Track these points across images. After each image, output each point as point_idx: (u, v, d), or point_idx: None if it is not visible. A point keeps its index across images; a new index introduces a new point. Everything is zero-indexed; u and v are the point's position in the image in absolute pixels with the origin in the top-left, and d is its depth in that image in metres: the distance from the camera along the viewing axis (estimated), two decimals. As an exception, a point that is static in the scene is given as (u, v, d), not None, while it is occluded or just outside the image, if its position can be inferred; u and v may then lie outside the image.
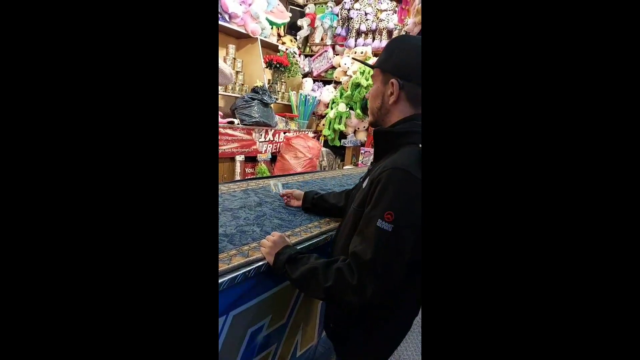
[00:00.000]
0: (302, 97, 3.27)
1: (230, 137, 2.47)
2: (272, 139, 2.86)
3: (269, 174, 2.72)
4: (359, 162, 3.27)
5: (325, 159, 3.33)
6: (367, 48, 3.19)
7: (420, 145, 0.62)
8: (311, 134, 3.29)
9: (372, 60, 3.08)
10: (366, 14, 3.27)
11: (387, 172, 0.60)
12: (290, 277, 0.66)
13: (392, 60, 0.70)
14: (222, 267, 0.64)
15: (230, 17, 2.79)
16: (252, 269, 0.68)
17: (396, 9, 2.80)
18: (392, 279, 0.58)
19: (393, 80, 0.68)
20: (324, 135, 3.37)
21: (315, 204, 1.06)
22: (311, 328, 1.14)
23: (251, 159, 2.74)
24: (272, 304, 0.85)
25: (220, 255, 0.69)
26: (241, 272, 0.66)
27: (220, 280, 0.62)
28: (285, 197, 1.14)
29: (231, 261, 0.67)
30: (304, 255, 0.69)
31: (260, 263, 0.71)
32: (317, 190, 1.12)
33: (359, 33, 3.34)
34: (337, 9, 3.48)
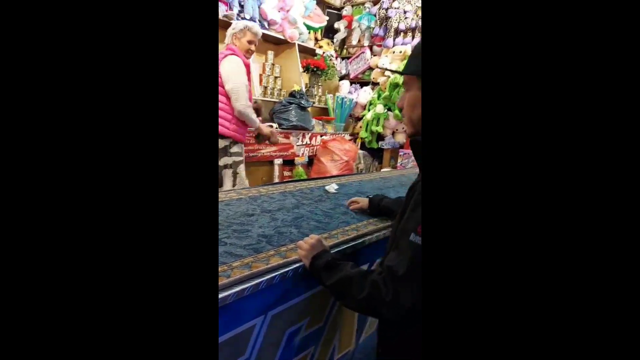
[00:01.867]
0: (338, 99, 3.27)
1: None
2: (309, 142, 2.89)
3: (305, 177, 2.75)
4: (398, 164, 3.18)
5: (362, 161, 3.29)
6: (407, 47, 3.11)
7: None
8: (348, 137, 3.28)
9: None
10: (405, 12, 3.19)
11: (420, 185, 0.59)
12: (325, 283, 0.66)
13: None
14: (260, 267, 0.65)
15: (269, 24, 2.88)
16: (290, 269, 0.68)
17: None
18: None
19: None
20: (361, 138, 3.33)
21: (380, 211, 1.07)
22: (348, 333, 1.12)
23: (289, 162, 2.79)
24: (309, 306, 0.85)
25: (259, 256, 0.70)
26: (279, 272, 0.66)
27: (258, 280, 0.63)
28: (351, 203, 1.16)
29: (269, 262, 0.68)
30: (340, 263, 0.67)
31: (298, 265, 0.71)
32: (381, 195, 1.11)
33: (397, 32, 3.26)
34: (374, 9, 3.44)
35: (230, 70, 1.73)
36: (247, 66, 1.82)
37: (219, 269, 0.62)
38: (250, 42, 1.87)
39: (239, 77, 1.73)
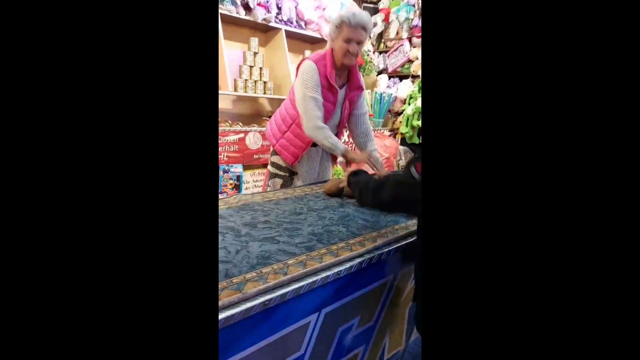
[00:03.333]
0: (377, 95, 3.21)
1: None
2: (347, 140, 2.87)
3: (346, 174, 2.73)
4: (441, 159, 3.05)
5: (403, 157, 3.20)
6: (448, 36, 2.97)
7: None
8: (387, 133, 3.21)
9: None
10: None
11: None
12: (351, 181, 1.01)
13: None
14: (314, 265, 0.66)
15: (306, 24, 2.90)
16: (343, 268, 0.69)
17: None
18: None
19: None
20: (401, 133, 3.25)
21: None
22: (399, 332, 1.10)
23: (328, 160, 2.79)
24: (361, 305, 0.85)
25: (312, 254, 0.71)
26: (333, 271, 0.67)
27: (314, 279, 0.64)
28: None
29: (322, 260, 0.69)
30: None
31: (351, 264, 0.71)
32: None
33: (437, 21, 3.12)
34: (413, 0, 3.32)
35: (296, 81, 1.42)
36: (327, 76, 1.37)
37: (275, 267, 0.64)
38: (348, 41, 1.32)
39: (301, 90, 1.37)
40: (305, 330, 0.69)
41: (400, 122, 3.27)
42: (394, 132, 3.34)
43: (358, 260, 0.72)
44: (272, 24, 2.68)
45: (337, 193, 1.21)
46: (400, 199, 0.75)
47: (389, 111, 3.40)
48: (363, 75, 3.25)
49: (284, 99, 2.96)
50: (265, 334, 0.60)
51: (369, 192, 0.84)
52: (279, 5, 2.74)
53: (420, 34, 3.28)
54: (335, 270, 0.67)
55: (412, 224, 0.96)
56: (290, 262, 0.66)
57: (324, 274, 0.65)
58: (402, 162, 3.18)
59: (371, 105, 3.26)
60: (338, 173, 2.80)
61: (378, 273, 0.85)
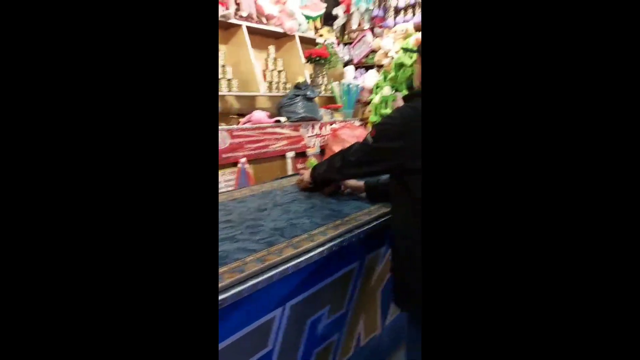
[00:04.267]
0: (344, 86, 3.22)
1: (279, 135, 2.54)
2: (319, 132, 2.87)
3: (319, 168, 2.74)
4: (411, 145, 3.12)
5: (374, 146, 3.25)
6: (408, 25, 3.01)
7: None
8: (357, 123, 3.23)
9: (415, 36, 2.89)
10: (403, -12, 3.08)
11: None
12: (316, 172, 1.07)
13: None
14: (273, 259, 0.66)
15: (267, 19, 2.85)
16: (302, 260, 0.69)
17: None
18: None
19: None
20: (371, 122, 3.28)
21: (380, 194, 1.05)
22: (373, 317, 1.12)
23: (301, 155, 2.79)
24: (329, 294, 0.86)
25: (272, 249, 0.71)
26: (292, 263, 0.67)
27: (272, 273, 0.63)
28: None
29: (282, 253, 0.69)
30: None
31: (311, 254, 0.71)
32: (377, 178, 1.08)
33: (397, 10, 3.16)
34: (372, -10, 3.34)
35: None
36: None
37: (233, 265, 0.63)
38: None
39: None
40: (270, 326, 0.69)
41: (370, 111, 3.30)
42: (364, 121, 3.37)
43: (319, 250, 0.73)
44: (232, 21, 2.62)
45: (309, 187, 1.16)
46: (362, 160, 0.85)
47: (358, 101, 3.43)
48: (330, 68, 3.27)
49: (250, 96, 2.89)
50: (224, 335, 0.59)
51: (334, 165, 0.97)
52: (238, 2, 2.68)
53: (381, 24, 3.31)
54: (295, 262, 0.67)
55: (376, 209, 0.98)
56: (248, 259, 0.66)
57: (282, 268, 0.65)
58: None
59: (340, 96, 3.27)
60: (312, 164, 2.80)
61: (343, 260, 0.86)
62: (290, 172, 2.63)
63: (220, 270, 0.61)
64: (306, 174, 1.15)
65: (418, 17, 3.02)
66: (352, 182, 1.12)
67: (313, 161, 2.81)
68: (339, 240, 0.78)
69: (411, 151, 0.71)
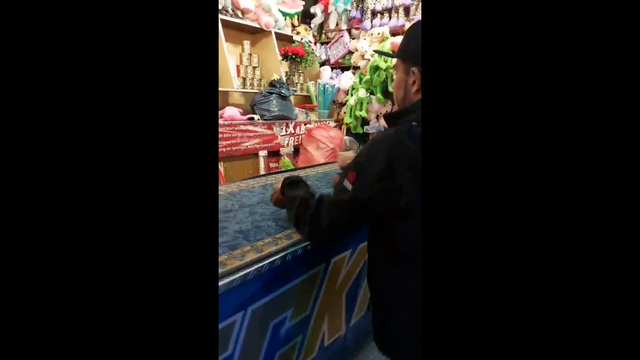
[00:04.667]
0: (320, 86, 3.23)
1: (252, 132, 2.50)
2: (293, 131, 2.86)
3: (292, 167, 2.73)
4: (384, 147, 3.18)
5: (349, 146, 3.28)
6: (384, 28, 3.06)
7: (414, 123, 0.59)
8: (332, 124, 3.25)
9: (391, 40, 2.95)
10: (380, -8, 3.13)
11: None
12: (284, 194, 0.84)
13: (410, 48, 0.67)
14: (235, 263, 0.65)
15: (243, 13, 2.79)
16: (265, 264, 0.69)
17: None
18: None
19: (414, 68, 0.65)
20: (346, 124, 3.31)
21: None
22: (337, 317, 1.14)
23: (274, 154, 2.77)
24: (292, 297, 0.86)
25: (234, 252, 0.70)
26: (254, 267, 0.66)
27: (233, 277, 0.63)
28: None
29: (244, 257, 0.68)
30: (300, 182, 0.84)
31: (274, 258, 0.71)
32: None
33: (374, 13, 3.20)
34: (350, -9, 3.36)
35: None
36: None
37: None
38: None
39: None
40: (231, 330, 0.69)
41: (345, 112, 3.33)
42: (339, 122, 3.40)
43: (282, 254, 0.73)
44: (206, 13, 2.54)
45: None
46: (338, 223, 0.66)
47: (334, 102, 3.45)
48: (306, 67, 3.26)
49: (223, 91, 2.82)
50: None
51: (304, 222, 0.71)
52: (212, -7, 2.60)
53: (358, 25, 3.34)
54: (257, 266, 0.67)
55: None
56: (208, 263, 0.64)
57: (243, 272, 0.64)
58: (350, 154, 3.26)
59: (315, 96, 3.28)
60: (286, 165, 2.79)
61: (307, 264, 0.87)
62: (262, 172, 2.60)
63: (178, 275, 0.59)
64: (277, 186, 0.90)
65: (394, 21, 3.08)
66: None
67: (286, 161, 2.80)
68: (304, 244, 0.79)
69: (400, 192, 0.55)
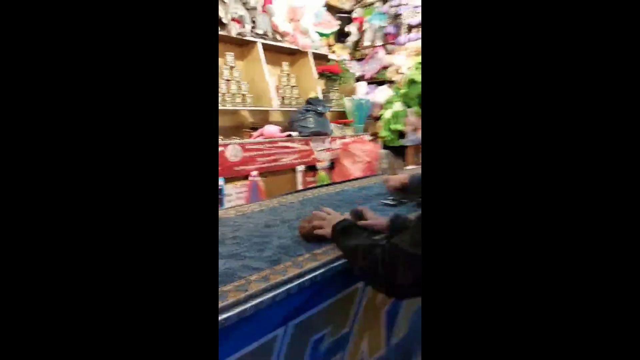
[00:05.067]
0: (355, 101, 3.26)
1: (290, 149, 2.58)
2: (329, 146, 2.90)
3: (328, 182, 2.76)
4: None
5: (385, 160, 3.25)
6: (419, 42, 3.05)
7: None
8: (368, 137, 3.25)
9: (427, 53, 2.92)
10: (415, 7, 3.13)
11: None
12: (339, 246, 0.78)
13: None
14: (277, 278, 0.67)
15: (281, 36, 2.94)
16: (306, 279, 0.70)
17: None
18: None
19: None
20: (382, 137, 3.30)
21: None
22: (377, 336, 1.12)
23: (311, 168, 2.82)
24: (333, 313, 0.86)
25: (277, 267, 0.72)
26: (296, 282, 0.68)
27: (276, 292, 0.65)
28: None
29: (287, 272, 0.70)
30: (356, 229, 0.79)
31: (315, 273, 0.72)
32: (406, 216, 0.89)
33: (409, 28, 3.21)
34: (385, 8, 3.41)
35: None
36: None
37: (238, 283, 0.65)
38: None
39: None
40: (272, 345, 0.70)
41: (380, 126, 3.33)
42: (374, 136, 3.39)
43: (322, 270, 0.74)
44: (248, 38, 2.72)
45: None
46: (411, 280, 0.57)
47: (369, 116, 3.46)
48: (340, 84, 3.32)
49: (264, 110, 2.95)
50: (226, 354, 0.60)
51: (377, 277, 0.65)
52: (254, 19, 2.78)
53: (393, 40, 3.36)
54: (299, 281, 0.69)
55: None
56: (252, 277, 0.67)
57: (286, 287, 0.66)
58: (385, 165, 3.23)
59: (351, 111, 3.31)
60: (322, 179, 2.83)
61: (347, 280, 0.87)
62: (300, 186, 2.65)
63: (225, 288, 0.63)
64: (327, 225, 0.83)
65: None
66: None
67: (323, 175, 2.83)
68: (342, 260, 0.79)
69: None
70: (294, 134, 2.69)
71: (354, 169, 2.82)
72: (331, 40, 3.57)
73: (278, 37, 2.94)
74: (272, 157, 2.48)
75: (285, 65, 3.04)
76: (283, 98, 2.94)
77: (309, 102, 2.84)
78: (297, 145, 2.63)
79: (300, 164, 2.68)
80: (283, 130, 2.71)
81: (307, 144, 2.71)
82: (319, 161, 2.83)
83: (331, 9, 3.55)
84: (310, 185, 2.67)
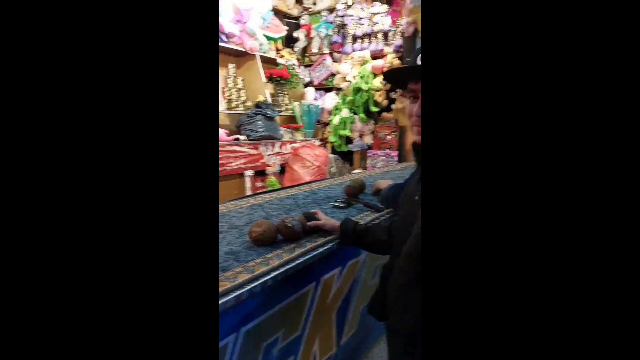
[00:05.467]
0: (305, 107, 3.31)
1: (238, 153, 2.52)
2: (279, 151, 2.89)
3: (279, 186, 2.75)
4: (368, 165, 3.26)
5: (334, 165, 3.34)
6: (365, 52, 3.21)
7: None
8: (318, 142, 3.32)
9: (371, 63, 3.08)
10: (360, 18, 3.30)
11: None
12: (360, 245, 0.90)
13: None
14: (227, 285, 0.66)
15: (227, 37, 2.87)
16: (257, 284, 0.69)
17: (388, 11, 2.82)
18: None
19: None
20: (331, 142, 3.39)
21: (356, 240, 0.89)
22: (328, 337, 1.14)
23: (260, 173, 2.78)
24: (284, 317, 0.86)
25: (226, 274, 0.70)
26: (246, 288, 0.67)
27: (226, 299, 0.63)
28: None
29: (237, 279, 0.69)
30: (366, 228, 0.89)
31: (267, 278, 0.72)
32: (357, 220, 0.94)
33: (355, 38, 3.36)
34: (331, 17, 3.52)
35: None
36: None
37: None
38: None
39: None
40: (224, 352, 0.68)
41: (329, 132, 3.42)
42: (324, 141, 3.47)
43: (274, 274, 0.74)
44: (191, 37, 2.60)
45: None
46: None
47: (318, 122, 3.53)
48: (291, 89, 3.35)
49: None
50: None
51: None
52: (198, 18, 2.67)
53: (339, 49, 3.48)
54: (250, 287, 0.68)
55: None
56: (201, 285, 0.65)
57: (236, 294, 0.65)
58: (334, 169, 3.31)
59: (300, 116, 3.35)
60: (272, 184, 2.80)
61: (299, 283, 0.88)
62: (248, 191, 2.60)
63: (171, 298, 0.59)
64: (327, 223, 0.93)
65: (374, 45, 3.23)
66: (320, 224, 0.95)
67: (272, 180, 2.81)
68: (295, 263, 0.80)
69: None
70: (241, 137, 2.63)
71: (304, 173, 2.85)
72: (279, 44, 3.58)
73: (224, 37, 2.87)
74: (219, 162, 2.39)
75: (231, 67, 2.96)
76: (229, 100, 2.86)
77: (258, 105, 2.80)
78: (245, 150, 2.58)
79: (248, 168, 2.63)
80: (230, 134, 2.63)
81: (256, 148, 2.67)
82: (268, 166, 2.80)
83: (279, 13, 3.56)
84: (260, 190, 2.63)
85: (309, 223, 0.93)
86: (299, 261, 0.81)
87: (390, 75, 0.71)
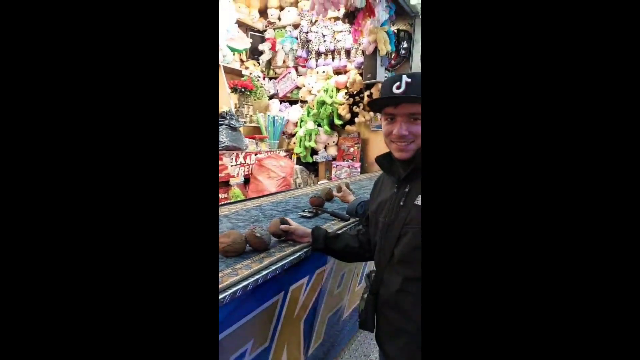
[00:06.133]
0: (270, 118, 3.32)
1: (201, 164, 2.45)
2: (243, 161, 2.86)
3: (243, 197, 2.71)
4: (333, 175, 3.33)
5: (299, 176, 3.37)
6: (328, 68, 3.32)
7: None
8: (283, 153, 3.33)
9: (335, 78, 3.20)
10: (324, 35, 3.42)
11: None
12: (331, 251, 0.96)
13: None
14: (196, 297, 0.65)
15: (190, 47, 2.82)
16: (227, 295, 0.69)
17: (350, 30, 2.96)
18: None
19: None
20: (296, 153, 3.42)
21: (327, 245, 0.94)
22: (296, 347, 1.14)
23: (224, 184, 2.72)
24: (252, 328, 0.85)
25: (194, 286, 0.69)
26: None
27: (195, 311, 0.62)
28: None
29: (205, 290, 0.68)
30: (338, 234, 0.97)
31: (234, 289, 0.72)
32: (326, 228, 1.00)
33: (318, 54, 3.47)
34: (295, 33, 3.61)
35: None
36: None
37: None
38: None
39: None
40: (190, 368, 0.66)
41: (294, 143, 3.45)
42: (289, 152, 3.50)
43: (243, 284, 0.74)
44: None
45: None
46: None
47: (283, 133, 3.55)
48: (255, 100, 3.35)
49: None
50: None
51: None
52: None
53: (304, 64, 3.57)
54: (219, 297, 0.67)
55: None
56: (168, 298, 0.63)
57: (205, 305, 0.64)
58: (299, 180, 3.34)
59: (265, 127, 3.35)
60: (236, 195, 2.75)
61: (267, 293, 0.88)
62: (212, 202, 2.52)
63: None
64: (299, 228, 0.97)
65: (337, 62, 3.36)
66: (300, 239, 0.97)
67: (236, 191, 2.76)
68: (263, 273, 0.80)
69: None
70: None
71: (269, 184, 2.84)
72: (244, 56, 3.58)
73: (187, 47, 2.81)
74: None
75: (195, 76, 2.91)
76: (193, 110, 2.79)
77: (222, 116, 2.76)
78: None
79: (212, 179, 2.56)
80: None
81: (219, 159, 2.62)
82: (232, 177, 2.75)
83: (243, 26, 3.58)
84: (224, 202, 2.57)
85: (282, 227, 0.96)
86: (268, 270, 0.81)
87: (372, 104, 0.81)
